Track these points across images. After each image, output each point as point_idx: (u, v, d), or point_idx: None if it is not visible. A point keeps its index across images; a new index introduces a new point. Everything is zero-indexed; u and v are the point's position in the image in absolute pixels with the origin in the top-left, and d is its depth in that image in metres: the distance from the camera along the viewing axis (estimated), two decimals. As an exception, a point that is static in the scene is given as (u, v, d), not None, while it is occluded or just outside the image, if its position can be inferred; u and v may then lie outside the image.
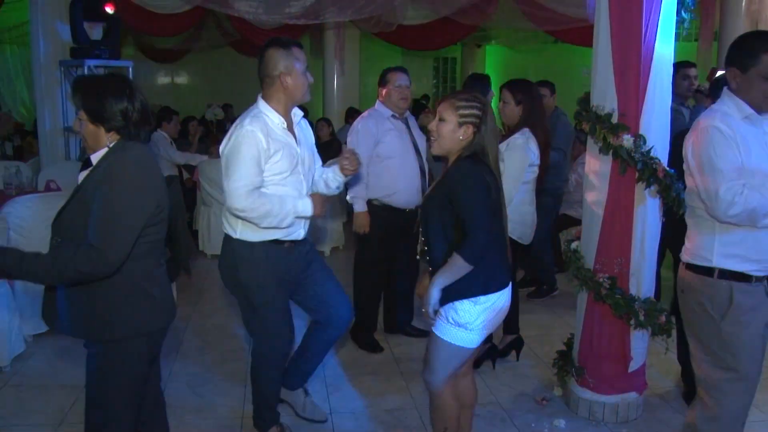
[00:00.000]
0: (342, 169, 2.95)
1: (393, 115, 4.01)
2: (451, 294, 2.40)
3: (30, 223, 4.04)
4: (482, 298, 2.39)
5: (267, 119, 2.74)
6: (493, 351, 3.82)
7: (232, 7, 6.48)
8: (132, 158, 2.09)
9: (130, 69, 6.45)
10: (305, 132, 2.97)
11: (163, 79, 14.22)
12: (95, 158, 2.13)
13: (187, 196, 6.53)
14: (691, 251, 2.44)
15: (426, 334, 4.33)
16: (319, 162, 3.09)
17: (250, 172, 2.65)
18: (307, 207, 2.81)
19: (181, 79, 14.42)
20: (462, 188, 2.34)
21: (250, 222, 2.73)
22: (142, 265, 2.14)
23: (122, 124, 2.09)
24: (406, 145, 4.00)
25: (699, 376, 2.46)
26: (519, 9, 7.04)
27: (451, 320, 2.41)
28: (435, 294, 2.37)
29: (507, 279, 2.49)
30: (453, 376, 2.57)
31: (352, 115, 8.17)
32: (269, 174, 2.72)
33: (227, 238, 2.87)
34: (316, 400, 3.41)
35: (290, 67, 2.71)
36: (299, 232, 2.88)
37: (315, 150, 3.05)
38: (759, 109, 2.32)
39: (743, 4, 6.27)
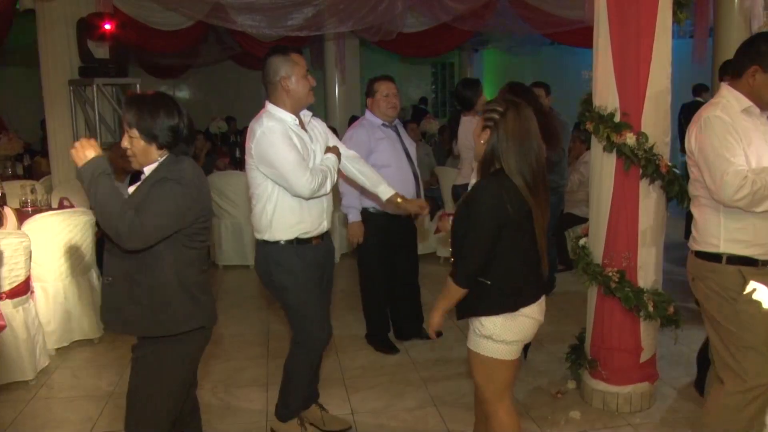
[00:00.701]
0: (417, 209, 3.30)
1: (383, 124, 4.10)
2: (476, 311, 2.38)
3: (48, 240, 4.18)
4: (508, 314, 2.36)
5: (280, 118, 2.89)
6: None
7: (235, 22, 6.56)
8: (188, 166, 2.25)
9: (138, 86, 6.55)
10: (319, 128, 3.10)
11: (164, 95, 14.30)
12: (148, 170, 2.27)
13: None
14: (699, 239, 2.55)
15: (439, 335, 4.44)
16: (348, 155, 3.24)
17: (297, 156, 2.81)
18: (331, 158, 3.00)
19: (183, 94, 14.50)
20: (472, 209, 2.33)
21: (317, 195, 2.91)
22: (192, 271, 2.27)
23: (173, 140, 2.23)
24: (398, 153, 4.08)
25: (720, 359, 2.53)
26: (516, 13, 7.13)
27: (477, 331, 2.39)
28: (437, 320, 2.44)
29: (536, 293, 2.41)
30: (507, 392, 2.46)
31: (355, 123, 8.24)
32: None
33: (258, 242, 3.00)
34: (336, 401, 3.50)
35: (289, 71, 2.88)
36: (324, 225, 3.05)
37: (337, 142, 3.21)
38: (765, 108, 2.44)
39: (736, 0, 6.34)
